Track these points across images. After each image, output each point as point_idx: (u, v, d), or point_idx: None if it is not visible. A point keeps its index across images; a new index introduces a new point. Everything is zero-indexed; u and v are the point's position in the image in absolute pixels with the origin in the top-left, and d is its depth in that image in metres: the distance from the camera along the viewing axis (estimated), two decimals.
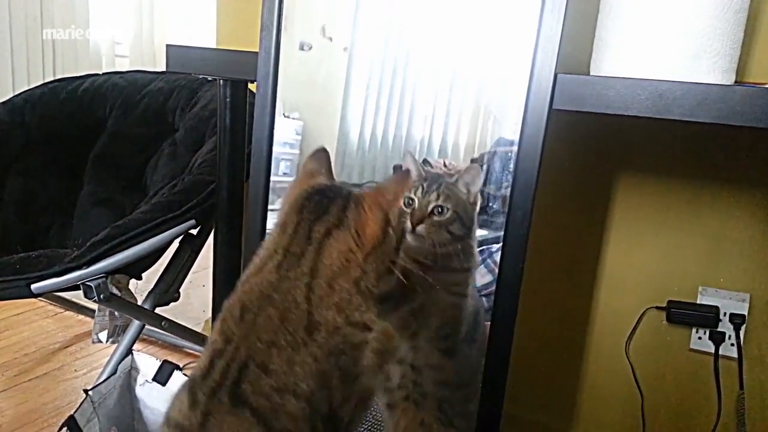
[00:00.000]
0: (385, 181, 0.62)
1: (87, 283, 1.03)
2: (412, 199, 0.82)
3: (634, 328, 1.13)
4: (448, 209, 0.81)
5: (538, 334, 1.21)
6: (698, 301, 1.08)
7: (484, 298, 0.87)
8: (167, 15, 2.66)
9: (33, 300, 1.69)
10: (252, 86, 0.97)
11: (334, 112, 0.99)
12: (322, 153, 0.69)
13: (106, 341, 1.26)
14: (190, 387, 0.57)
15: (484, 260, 0.87)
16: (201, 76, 1.39)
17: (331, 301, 0.56)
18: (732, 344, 1.06)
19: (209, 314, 1.23)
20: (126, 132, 1.47)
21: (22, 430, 1.24)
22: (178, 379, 1.09)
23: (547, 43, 0.75)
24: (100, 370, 1.20)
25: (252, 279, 0.59)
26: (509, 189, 0.80)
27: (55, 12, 2.35)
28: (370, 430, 0.96)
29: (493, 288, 0.82)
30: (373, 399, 0.63)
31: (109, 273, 1.06)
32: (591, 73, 0.86)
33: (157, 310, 1.25)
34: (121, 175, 1.45)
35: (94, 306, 1.21)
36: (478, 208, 0.83)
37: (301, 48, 0.96)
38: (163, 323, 1.25)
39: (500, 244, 0.81)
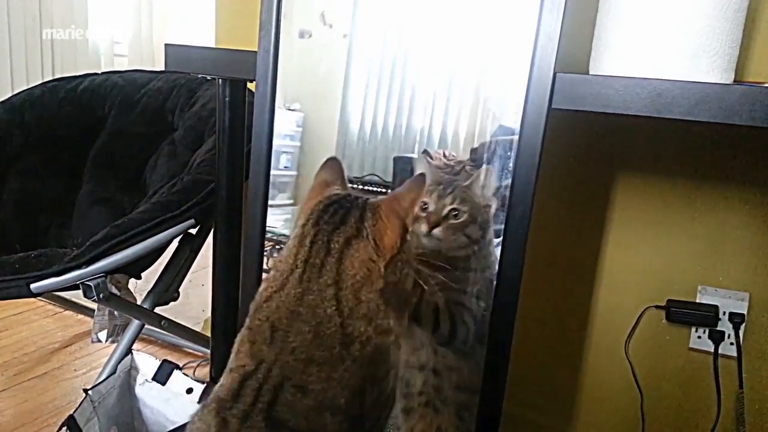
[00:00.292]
0: (401, 188, 0.62)
1: (86, 282, 1.03)
2: (426, 203, 0.81)
3: (634, 327, 1.13)
4: (464, 212, 0.81)
5: (537, 334, 1.21)
6: (698, 300, 1.08)
7: None
8: (166, 14, 2.66)
9: (32, 299, 1.69)
10: (251, 85, 0.97)
11: (334, 103, 0.98)
12: (334, 162, 0.69)
13: (106, 341, 1.26)
14: (217, 410, 0.55)
15: None
16: (200, 76, 1.39)
17: (361, 311, 0.57)
18: (731, 343, 1.06)
19: (208, 314, 1.23)
20: (125, 131, 1.47)
21: (21, 430, 1.24)
22: (177, 379, 1.09)
23: (547, 42, 0.75)
24: (100, 369, 1.20)
25: (276, 296, 0.58)
26: (509, 187, 0.80)
27: (54, 11, 2.35)
28: None
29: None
30: (395, 400, 0.63)
31: (109, 272, 1.06)
32: (590, 72, 0.85)
33: (156, 310, 1.25)
34: (120, 174, 1.45)
35: (94, 305, 1.21)
36: (493, 210, 0.83)
37: (301, 36, 0.96)
38: (162, 323, 1.25)
39: (500, 241, 0.81)
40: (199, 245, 1.28)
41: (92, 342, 1.28)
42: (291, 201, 1.04)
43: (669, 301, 1.09)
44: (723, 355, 1.07)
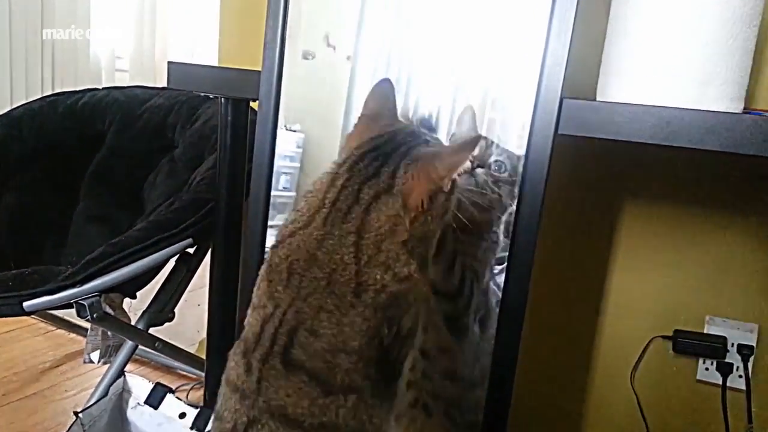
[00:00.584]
0: (449, 147, 0.62)
1: (80, 301, 1.01)
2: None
3: (640, 358, 1.10)
4: (506, 169, 0.80)
5: (541, 362, 1.19)
6: (705, 331, 1.05)
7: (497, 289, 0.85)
8: (169, 31, 2.67)
9: (24, 317, 1.66)
10: (254, 104, 0.96)
11: (336, 124, 0.98)
12: (384, 86, 0.68)
13: (98, 362, 1.23)
14: (244, 352, 0.58)
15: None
16: (202, 94, 1.39)
17: (379, 260, 0.57)
18: (740, 376, 1.03)
19: (203, 335, 1.20)
20: (124, 147, 1.46)
21: None
22: (170, 403, 1.06)
23: (554, 68, 0.74)
24: (91, 391, 1.17)
25: (299, 234, 0.59)
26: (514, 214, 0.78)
27: (55, 16, 2.37)
28: None
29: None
30: (418, 333, 0.63)
31: (104, 291, 1.03)
32: (597, 98, 0.85)
33: (151, 330, 1.22)
34: (118, 191, 1.44)
35: (87, 324, 1.18)
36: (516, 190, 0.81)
37: (305, 57, 0.96)
38: (156, 344, 1.22)
39: (504, 268, 0.79)
40: (196, 265, 1.26)
41: (84, 362, 1.25)
42: None
43: (676, 331, 1.07)
44: (731, 388, 1.04)
